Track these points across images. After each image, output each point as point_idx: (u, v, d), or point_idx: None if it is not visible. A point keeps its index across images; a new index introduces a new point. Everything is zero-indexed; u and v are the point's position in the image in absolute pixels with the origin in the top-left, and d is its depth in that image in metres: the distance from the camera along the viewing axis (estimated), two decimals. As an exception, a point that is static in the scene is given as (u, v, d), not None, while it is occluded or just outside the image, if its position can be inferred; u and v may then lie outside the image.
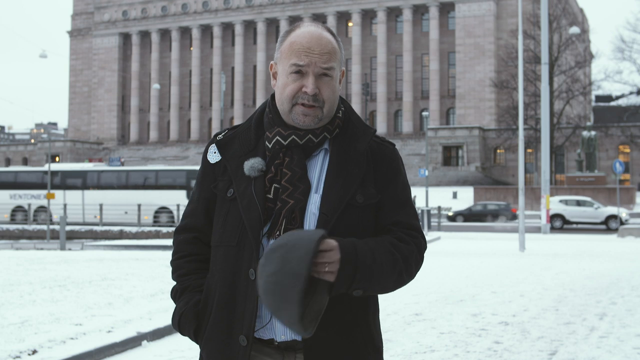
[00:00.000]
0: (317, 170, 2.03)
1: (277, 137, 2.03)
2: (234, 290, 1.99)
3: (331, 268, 1.83)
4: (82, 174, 36.30)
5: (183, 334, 2.11)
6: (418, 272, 2.07)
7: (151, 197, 33.24)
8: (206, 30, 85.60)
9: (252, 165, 2.01)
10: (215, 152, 2.12)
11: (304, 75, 1.98)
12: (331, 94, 2.01)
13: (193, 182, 30.93)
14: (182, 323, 2.08)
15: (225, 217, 2.05)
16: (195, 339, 2.09)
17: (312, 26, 2.04)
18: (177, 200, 32.13)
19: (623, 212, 33.74)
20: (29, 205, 35.51)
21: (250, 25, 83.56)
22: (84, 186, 35.28)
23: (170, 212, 32.83)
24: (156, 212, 33.42)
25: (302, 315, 1.75)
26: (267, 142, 2.05)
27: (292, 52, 1.99)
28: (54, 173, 34.72)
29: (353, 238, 1.92)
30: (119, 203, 33.01)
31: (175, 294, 2.15)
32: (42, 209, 35.40)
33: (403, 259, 1.97)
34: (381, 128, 74.46)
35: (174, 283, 2.19)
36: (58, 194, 33.64)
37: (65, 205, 32.86)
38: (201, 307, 2.07)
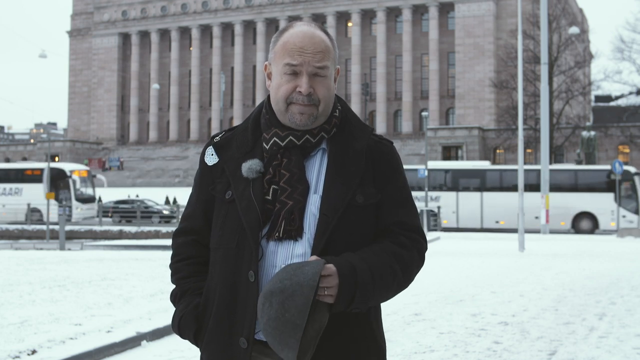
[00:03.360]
0: (316, 170, 2.02)
1: (275, 138, 2.02)
2: (233, 293, 1.99)
3: (330, 292, 1.86)
4: (480, 173, 32.85)
5: (183, 337, 2.11)
6: (417, 275, 2.07)
7: (570, 200, 30.44)
8: (206, 30, 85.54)
9: (250, 166, 2.01)
10: (212, 154, 2.11)
11: (298, 75, 1.98)
12: (326, 92, 2.01)
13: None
14: (182, 326, 2.08)
15: (224, 219, 2.04)
16: (195, 342, 2.09)
17: (305, 26, 2.03)
18: (600, 204, 29.64)
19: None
20: None
21: (249, 26, 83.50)
22: (482, 187, 31.92)
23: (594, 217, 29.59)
24: (575, 217, 30.69)
25: (299, 357, 1.81)
26: (264, 144, 2.04)
27: (285, 52, 1.99)
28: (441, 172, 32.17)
29: (352, 256, 1.92)
30: (529, 206, 29.98)
31: (175, 297, 2.14)
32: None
33: (403, 269, 1.98)
34: (381, 128, 74.39)
35: (174, 286, 2.19)
36: (449, 195, 31.68)
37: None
38: (201, 309, 2.07)
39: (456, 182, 32.50)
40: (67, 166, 38.36)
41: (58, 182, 35.97)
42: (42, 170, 36.66)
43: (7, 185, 36.87)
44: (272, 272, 1.95)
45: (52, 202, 33.31)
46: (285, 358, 1.82)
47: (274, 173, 2.00)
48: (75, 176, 36.44)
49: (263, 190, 1.99)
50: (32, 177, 37.32)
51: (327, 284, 1.85)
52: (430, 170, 32.46)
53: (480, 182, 32.25)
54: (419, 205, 30.62)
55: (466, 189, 31.69)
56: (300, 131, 2.02)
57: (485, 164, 35.69)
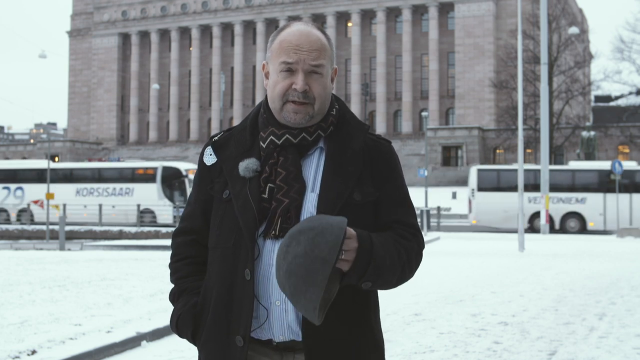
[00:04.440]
0: (313, 169, 2.03)
1: (271, 137, 2.03)
2: (231, 292, 1.99)
3: (348, 256, 1.84)
4: (629, 174, 30.30)
5: (181, 336, 2.12)
6: (417, 270, 2.07)
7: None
8: (205, 30, 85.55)
9: (246, 165, 2.02)
10: (211, 154, 2.12)
11: (294, 73, 1.99)
12: (322, 90, 2.01)
13: None
14: (180, 325, 2.08)
15: (221, 218, 2.05)
16: (193, 340, 2.09)
17: (301, 24, 2.04)
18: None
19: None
20: None
21: (249, 26, 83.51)
22: (631, 188, 30.03)
23: None
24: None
25: (322, 301, 1.74)
26: (261, 142, 2.05)
27: (281, 50, 2.00)
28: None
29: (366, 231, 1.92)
30: None
31: (173, 297, 2.15)
32: None
33: (406, 254, 1.99)
34: (380, 128, 74.41)
35: (173, 285, 2.19)
36: (596, 197, 29.93)
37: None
38: (199, 309, 2.07)
39: (603, 182, 31.02)
40: (182, 165, 35.35)
41: (173, 181, 33.36)
42: (155, 169, 34.13)
43: (118, 185, 34.35)
44: (269, 270, 1.96)
45: (166, 202, 32.19)
46: (308, 301, 1.75)
47: (270, 171, 2.01)
48: (190, 175, 32.89)
49: (259, 189, 2.00)
50: (144, 176, 34.38)
51: (346, 246, 1.83)
52: (575, 171, 32.11)
53: (629, 183, 30.88)
54: (564, 207, 30.47)
55: (611, 190, 29.99)
56: (296, 129, 2.02)
57: (633, 165, 34.04)
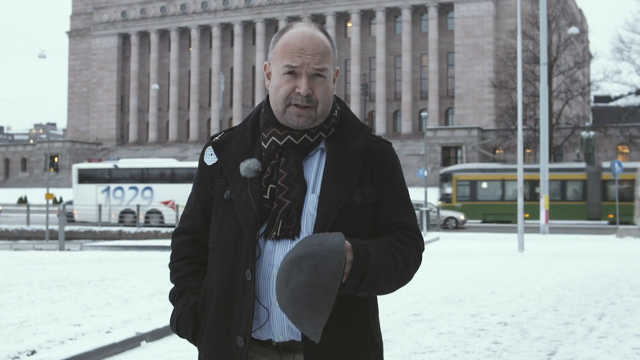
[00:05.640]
0: (314, 170, 2.03)
1: (273, 138, 2.03)
2: (231, 292, 1.99)
3: (344, 268, 1.85)
4: None
5: (181, 336, 2.11)
6: (416, 273, 2.08)
7: None
8: (205, 30, 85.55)
9: (247, 166, 2.02)
10: (211, 154, 2.12)
11: (297, 76, 1.98)
12: (325, 94, 2.01)
13: None
14: (180, 325, 2.08)
15: (222, 218, 2.05)
16: (193, 340, 2.09)
17: (305, 26, 2.03)
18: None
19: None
20: None
21: (249, 26, 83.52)
22: None
23: None
24: None
25: (324, 325, 1.77)
26: (262, 143, 2.05)
27: (285, 53, 1.99)
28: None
29: (362, 240, 1.93)
30: None
31: (173, 297, 2.15)
32: None
33: (404, 261, 1.99)
34: (380, 128, 74.43)
35: (173, 285, 2.19)
36: None
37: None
38: (199, 308, 2.07)
39: None
40: None
41: None
42: None
43: None
44: (269, 271, 1.96)
45: None
46: (312, 326, 1.78)
47: (271, 172, 2.01)
48: None
49: (261, 189, 2.00)
50: None
51: None
52: None
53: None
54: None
55: None
56: (298, 131, 2.02)
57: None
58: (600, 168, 37.50)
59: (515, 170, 31.29)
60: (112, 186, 33.68)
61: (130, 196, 33.60)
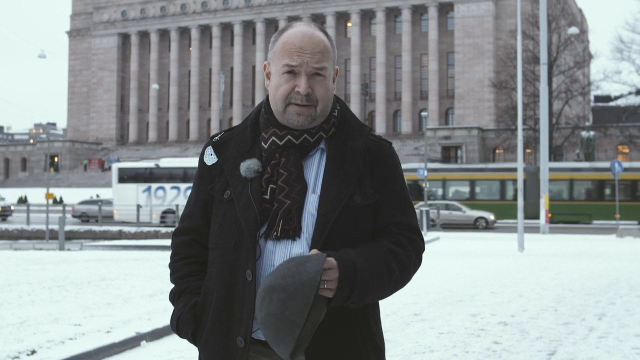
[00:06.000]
0: (314, 170, 2.03)
1: (273, 138, 2.03)
2: (231, 292, 1.99)
3: (330, 285, 1.86)
4: None
5: (181, 336, 2.11)
6: (415, 274, 2.07)
7: None
8: (205, 30, 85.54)
9: (248, 166, 2.01)
10: (211, 154, 2.12)
11: (297, 76, 1.98)
12: (324, 93, 2.01)
13: None
14: (180, 325, 2.08)
15: (222, 218, 2.05)
16: (193, 340, 2.09)
17: (304, 26, 2.03)
18: None
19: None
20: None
21: (249, 26, 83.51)
22: None
23: None
24: None
25: (294, 354, 1.80)
26: (263, 143, 2.05)
27: (284, 52, 1.99)
28: None
29: (352, 252, 1.92)
30: None
31: (173, 297, 2.15)
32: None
33: (400, 268, 1.98)
34: (380, 128, 74.42)
35: (173, 285, 2.19)
36: None
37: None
38: (199, 308, 2.07)
39: None
40: None
41: None
42: None
43: None
44: (270, 271, 1.96)
45: None
46: (279, 353, 1.82)
47: (272, 172, 2.01)
48: None
49: (261, 189, 2.00)
50: None
51: (327, 277, 1.85)
52: None
53: None
54: None
55: None
56: (298, 130, 2.02)
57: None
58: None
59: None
60: (154, 186, 33.03)
61: (172, 196, 32.91)
